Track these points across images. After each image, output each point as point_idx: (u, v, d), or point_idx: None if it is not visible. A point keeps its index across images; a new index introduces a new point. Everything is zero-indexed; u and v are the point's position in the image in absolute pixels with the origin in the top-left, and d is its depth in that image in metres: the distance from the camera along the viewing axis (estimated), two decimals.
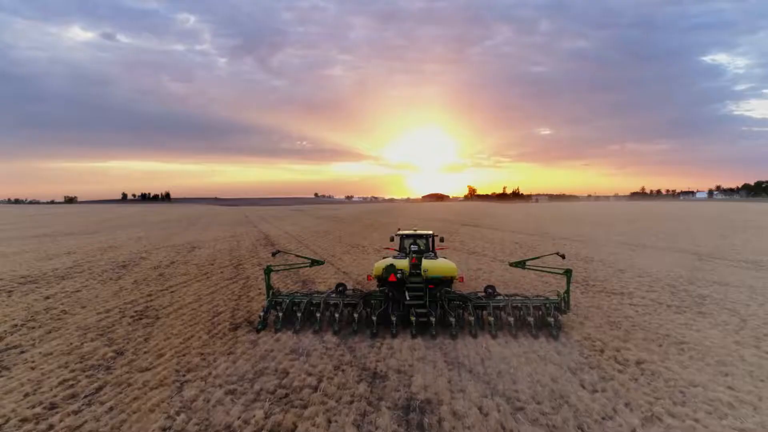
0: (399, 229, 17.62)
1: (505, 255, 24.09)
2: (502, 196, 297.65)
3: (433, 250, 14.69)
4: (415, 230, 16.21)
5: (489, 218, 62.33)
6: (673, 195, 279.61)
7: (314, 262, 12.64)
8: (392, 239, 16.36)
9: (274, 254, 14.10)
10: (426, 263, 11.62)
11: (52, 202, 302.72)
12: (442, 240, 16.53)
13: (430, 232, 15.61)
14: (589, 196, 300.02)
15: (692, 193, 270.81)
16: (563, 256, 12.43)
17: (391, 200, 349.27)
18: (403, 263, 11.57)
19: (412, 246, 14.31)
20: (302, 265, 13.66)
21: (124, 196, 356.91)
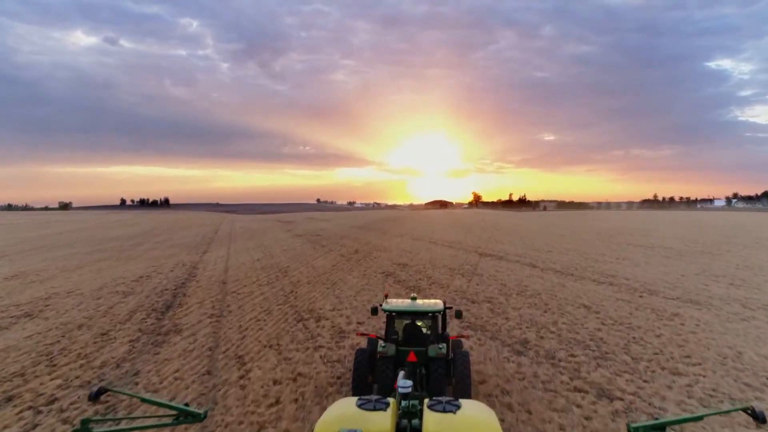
0: (386, 297, 10.84)
1: (588, 359, 11.78)
2: (508, 203, 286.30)
3: (444, 330, 10.20)
4: (414, 298, 10.20)
5: (509, 239, 49.73)
6: (688, 202, 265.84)
7: (182, 416, 4.94)
8: (375, 312, 11.02)
9: (93, 397, 5.13)
10: (431, 421, 4.49)
11: (46, 208, 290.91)
12: (459, 315, 10.31)
13: (439, 304, 9.96)
14: (600, 203, 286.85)
15: (710, 200, 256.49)
16: (763, 420, 4.38)
17: (394, 206, 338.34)
18: (380, 420, 4.52)
19: (399, 371, 7.90)
20: (157, 423, 5.37)
21: (123, 201, 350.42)
